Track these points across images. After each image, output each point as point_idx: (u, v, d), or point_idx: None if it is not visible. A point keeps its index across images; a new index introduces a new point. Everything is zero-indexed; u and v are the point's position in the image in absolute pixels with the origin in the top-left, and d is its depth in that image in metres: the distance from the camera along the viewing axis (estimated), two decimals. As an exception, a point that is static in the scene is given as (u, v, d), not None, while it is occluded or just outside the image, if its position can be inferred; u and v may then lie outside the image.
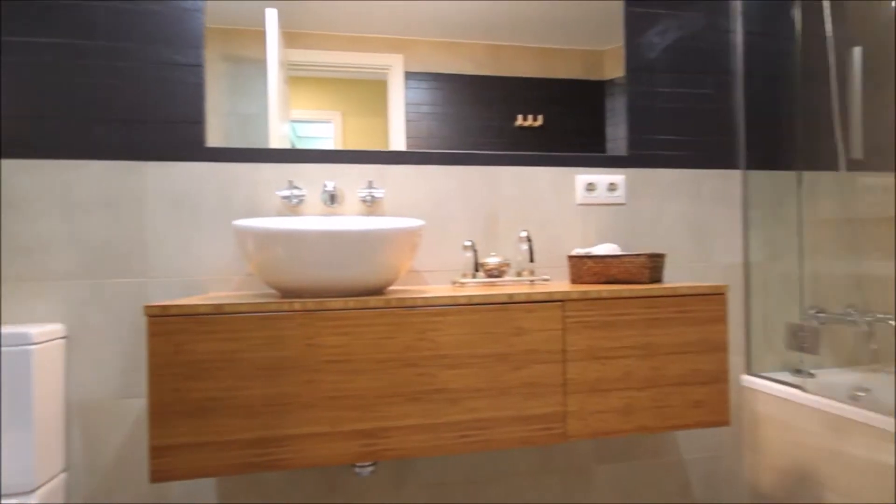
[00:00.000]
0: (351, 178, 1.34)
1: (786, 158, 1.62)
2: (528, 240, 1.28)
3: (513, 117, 1.47)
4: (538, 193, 1.45)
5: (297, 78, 1.34)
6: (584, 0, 1.49)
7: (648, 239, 1.51)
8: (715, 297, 1.16)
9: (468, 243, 1.26)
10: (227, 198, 1.28)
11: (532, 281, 1.30)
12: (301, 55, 1.34)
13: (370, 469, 1.19)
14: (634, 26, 1.52)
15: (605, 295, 1.09)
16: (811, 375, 1.54)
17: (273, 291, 1.22)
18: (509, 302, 1.05)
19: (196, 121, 1.27)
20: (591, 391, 1.10)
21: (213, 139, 1.28)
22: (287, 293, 1.05)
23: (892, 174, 1.71)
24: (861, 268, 1.66)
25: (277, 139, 1.31)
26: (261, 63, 1.30)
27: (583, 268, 1.25)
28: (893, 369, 1.61)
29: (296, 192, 1.26)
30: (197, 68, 1.27)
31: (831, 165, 1.64)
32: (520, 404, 1.06)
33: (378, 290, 1.11)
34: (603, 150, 1.51)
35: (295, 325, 0.96)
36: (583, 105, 1.51)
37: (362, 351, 0.98)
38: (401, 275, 1.10)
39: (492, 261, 1.26)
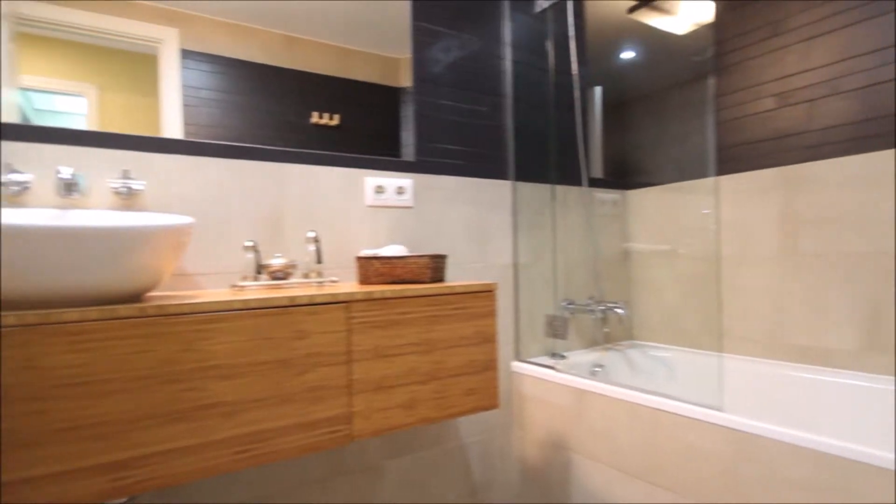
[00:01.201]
0: (101, 165, 1.13)
1: (544, 173, 1.89)
2: (316, 240, 1.25)
3: (308, 114, 1.42)
4: (328, 193, 1.42)
5: (31, 36, 1.08)
6: (383, 2, 1.53)
7: (434, 241, 1.61)
8: (486, 294, 1.29)
9: (250, 243, 1.18)
10: None
11: (321, 283, 1.27)
12: (34, 8, 1.08)
13: (124, 506, 1.02)
14: (420, 40, 1.61)
15: (388, 295, 1.13)
16: (563, 357, 1.83)
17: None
18: (291, 305, 1.01)
19: None
20: (376, 389, 1.12)
21: None
22: (10, 305, 0.84)
23: (623, 191, 2.13)
24: (598, 265, 2.03)
25: (-6, 110, 1.04)
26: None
27: (370, 269, 1.28)
28: (621, 346, 2.01)
29: (16, 177, 1.01)
30: None
31: (577, 181, 1.97)
32: (304, 410, 1.03)
33: (134, 297, 0.95)
34: (398, 155, 1.56)
35: (10, 344, 0.77)
36: (381, 109, 1.54)
37: (109, 369, 0.84)
38: (163, 279, 0.97)
39: (276, 262, 1.20)
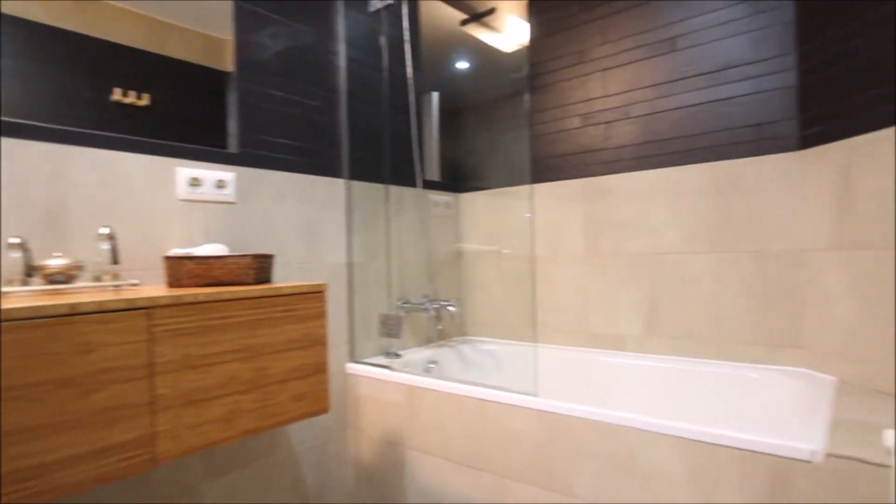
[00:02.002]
0: None
1: (379, 173, 1.90)
2: (111, 237, 1.08)
3: (109, 90, 1.22)
4: (132, 184, 1.24)
5: None
6: (192, -21, 1.38)
7: (261, 239, 1.51)
8: (316, 294, 1.25)
9: (15, 240, 0.97)
10: None
11: (117, 286, 1.10)
12: None
13: None
14: (244, 22, 1.49)
15: (202, 298, 1.02)
16: (398, 356, 1.85)
17: None
18: (73, 314, 0.85)
19: None
20: (187, 404, 1.00)
21: None
22: None
23: (456, 193, 2.23)
24: (432, 265, 2.10)
25: None
26: None
27: (182, 270, 1.14)
28: (454, 342, 2.11)
29: None
30: None
31: (412, 183, 2.01)
32: (94, 436, 0.88)
33: None
34: (224, 146, 1.43)
35: None
36: (203, 93, 1.39)
37: None
38: None
39: (55, 263, 1.00)
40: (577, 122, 1.95)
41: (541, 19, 2.03)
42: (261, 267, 1.22)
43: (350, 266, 1.78)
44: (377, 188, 1.88)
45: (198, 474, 1.35)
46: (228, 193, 1.43)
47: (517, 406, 1.32)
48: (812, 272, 1.46)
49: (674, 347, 1.72)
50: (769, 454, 0.97)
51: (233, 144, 1.46)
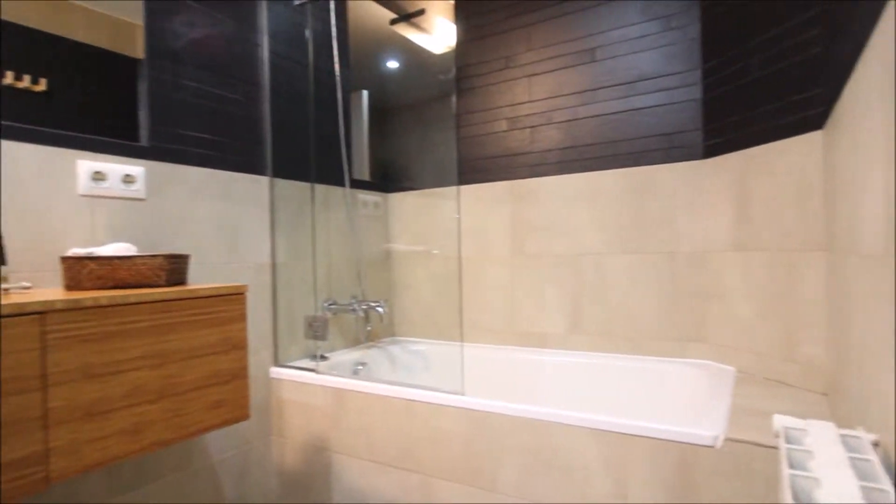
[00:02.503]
0: None
1: (305, 171, 1.84)
2: (-3, 236, 0.98)
3: (-2, 73, 1.10)
4: (22, 177, 1.13)
5: None
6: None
7: (174, 239, 1.42)
8: (235, 297, 1.19)
9: None
10: None
11: (6, 290, 0.99)
12: None
13: None
14: (156, 6, 1.40)
15: (105, 302, 0.94)
16: (325, 358, 1.81)
17: None
18: (-54, 320, 0.76)
19: None
20: (86, 417, 0.92)
21: None
22: None
23: (385, 193, 2.21)
24: (360, 265, 2.07)
25: None
26: None
27: (83, 271, 1.05)
28: (383, 343, 2.08)
29: None
30: None
31: (340, 182, 1.97)
32: (-27, 457, 0.79)
33: None
34: (136, 138, 1.33)
35: None
36: (110, 81, 1.29)
37: None
38: None
39: (-75, 264, 0.89)
40: (504, 125, 1.99)
41: (469, 24, 2.06)
42: (174, 268, 1.14)
43: (274, 267, 1.71)
44: (303, 187, 1.82)
45: (101, 492, 1.25)
46: (137, 189, 1.33)
47: (444, 405, 1.33)
48: (715, 272, 1.58)
49: (594, 344, 1.80)
50: (677, 441, 1.04)
51: (144, 137, 1.36)
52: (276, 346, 1.71)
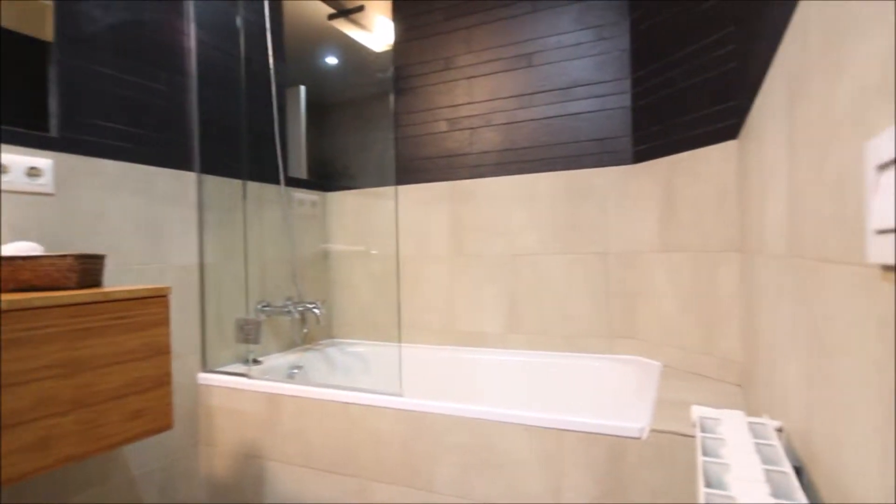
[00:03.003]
0: None
1: (237, 168, 1.77)
2: None
3: None
4: None
5: None
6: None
7: (91, 238, 1.32)
8: (157, 299, 1.12)
9: None
10: None
11: None
12: None
13: None
14: (69, -13, 1.29)
15: (4, 307, 0.86)
16: (258, 363, 1.74)
17: None
18: None
19: None
20: (-18, 433, 0.84)
21: None
22: None
23: (322, 192, 2.16)
24: (296, 266, 2.01)
25: None
26: None
27: (-22, 273, 0.95)
28: (320, 346, 2.04)
29: None
30: None
31: (275, 179, 1.91)
32: None
33: None
34: (45, 128, 1.22)
35: None
36: (14, 64, 1.17)
37: None
38: None
39: None
40: (444, 126, 2.00)
41: (408, 23, 2.05)
42: (86, 269, 1.06)
43: (202, 268, 1.63)
44: (234, 184, 1.75)
45: (2, 516, 1.14)
46: (45, 183, 1.22)
47: (382, 407, 1.32)
48: (643, 271, 1.66)
49: (531, 342, 1.84)
50: (607, 434, 1.08)
51: (54, 127, 1.25)
52: (204, 350, 1.63)
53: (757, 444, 0.60)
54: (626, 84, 1.70)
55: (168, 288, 1.14)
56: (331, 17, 2.09)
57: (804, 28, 0.57)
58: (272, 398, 1.47)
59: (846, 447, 0.43)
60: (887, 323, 0.34)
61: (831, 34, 0.47)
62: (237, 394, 1.53)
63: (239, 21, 1.77)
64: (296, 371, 1.84)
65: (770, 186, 0.81)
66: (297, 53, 2.08)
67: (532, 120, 1.84)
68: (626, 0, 1.69)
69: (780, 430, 0.70)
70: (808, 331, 0.56)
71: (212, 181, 1.66)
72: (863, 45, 0.38)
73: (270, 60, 1.86)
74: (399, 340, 1.84)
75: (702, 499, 0.49)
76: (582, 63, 1.77)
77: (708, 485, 0.52)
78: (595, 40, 1.74)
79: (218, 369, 1.64)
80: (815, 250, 0.52)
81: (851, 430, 0.42)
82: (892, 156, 0.30)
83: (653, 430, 1.05)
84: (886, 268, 0.34)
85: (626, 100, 1.70)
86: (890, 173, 0.31)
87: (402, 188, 2.06)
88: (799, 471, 0.59)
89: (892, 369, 0.33)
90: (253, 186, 1.82)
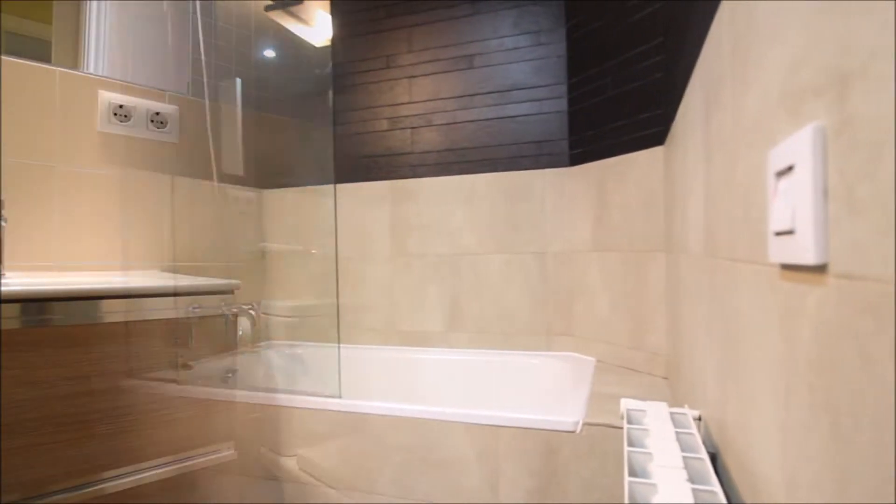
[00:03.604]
0: None
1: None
2: None
3: None
4: None
5: None
6: None
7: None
8: (73, 302, 1.04)
9: None
10: None
11: None
12: None
13: None
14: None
15: None
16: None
17: None
18: None
19: None
20: None
21: None
22: None
23: (259, 189, 2.09)
24: (231, 265, 1.94)
25: None
26: None
27: None
28: (257, 348, 1.96)
29: None
30: None
31: (207, 175, 1.82)
32: None
33: None
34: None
35: None
36: None
37: None
38: None
39: None
40: (385, 124, 1.99)
41: (348, 19, 2.02)
42: (-10, 270, 0.97)
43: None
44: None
45: None
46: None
47: (321, 410, 1.29)
48: (579, 270, 1.72)
49: (472, 341, 1.86)
50: (543, 429, 1.12)
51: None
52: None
53: (677, 433, 0.64)
54: (563, 89, 1.76)
55: (85, 290, 1.06)
56: (268, 8, 2.02)
57: (719, 36, 0.61)
58: (210, 404, 1.40)
59: (753, 433, 0.47)
60: (786, 318, 0.37)
61: (741, 42, 0.50)
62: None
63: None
64: (230, 376, 1.77)
65: (690, 190, 0.87)
66: (233, 45, 2.00)
67: (472, 121, 1.87)
68: (563, 7, 1.75)
69: (698, 419, 0.75)
70: (721, 326, 0.60)
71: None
72: (768, 53, 0.41)
73: (202, 49, 1.77)
74: (339, 341, 1.81)
75: (626, 487, 0.51)
76: (521, 67, 1.81)
77: (632, 473, 0.55)
78: (533, 45, 1.79)
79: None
80: (727, 251, 0.56)
81: (757, 417, 0.45)
82: (788, 163, 0.33)
83: (586, 424, 1.09)
84: (785, 266, 0.37)
85: (562, 104, 1.76)
86: (786, 180, 0.34)
87: (343, 187, 2.03)
88: (714, 457, 0.64)
89: (789, 361, 0.36)
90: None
